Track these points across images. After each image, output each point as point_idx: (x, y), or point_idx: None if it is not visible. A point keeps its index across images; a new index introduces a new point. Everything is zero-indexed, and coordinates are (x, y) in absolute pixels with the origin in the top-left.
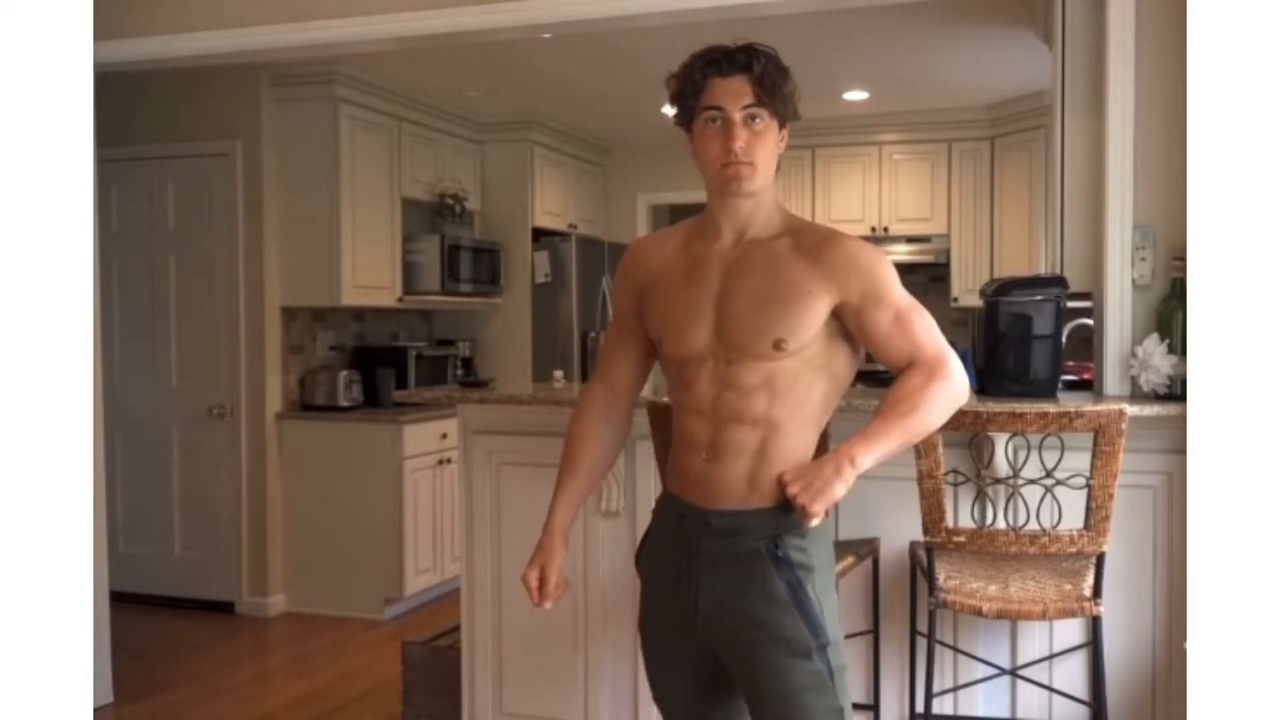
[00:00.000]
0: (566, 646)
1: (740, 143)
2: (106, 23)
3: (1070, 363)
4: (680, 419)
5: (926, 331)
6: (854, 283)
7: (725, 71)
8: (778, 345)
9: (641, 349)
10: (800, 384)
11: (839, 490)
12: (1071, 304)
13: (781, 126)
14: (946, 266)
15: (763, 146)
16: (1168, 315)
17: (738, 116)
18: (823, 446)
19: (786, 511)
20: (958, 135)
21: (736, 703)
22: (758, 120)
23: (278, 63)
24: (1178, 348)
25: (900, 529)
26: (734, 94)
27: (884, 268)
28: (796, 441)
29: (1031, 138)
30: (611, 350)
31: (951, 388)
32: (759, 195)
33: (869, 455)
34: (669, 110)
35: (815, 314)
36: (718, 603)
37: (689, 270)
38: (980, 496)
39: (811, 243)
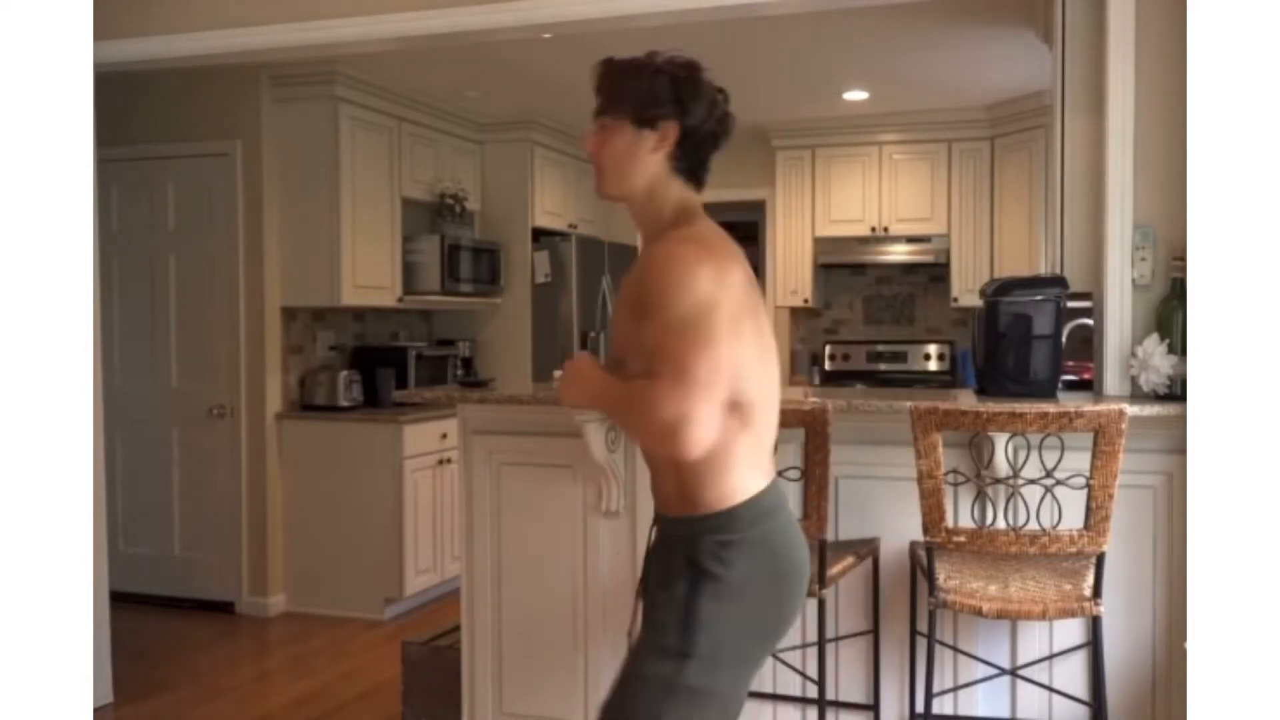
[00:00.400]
0: (566, 646)
1: (589, 146)
2: (106, 23)
3: (1070, 363)
4: None
5: (675, 354)
6: (639, 295)
7: (598, 87)
8: (619, 364)
9: None
10: None
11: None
12: (1071, 304)
13: (643, 125)
14: (946, 266)
15: (608, 148)
16: (1168, 315)
17: (591, 125)
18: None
19: (711, 518)
20: (958, 135)
21: None
22: (600, 124)
23: (278, 63)
24: (1178, 348)
25: (900, 529)
26: (596, 104)
27: (666, 279)
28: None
29: (1031, 138)
30: None
31: (656, 413)
32: (634, 200)
33: (593, 390)
34: None
35: (636, 327)
36: (650, 597)
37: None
38: (980, 496)
39: (643, 254)
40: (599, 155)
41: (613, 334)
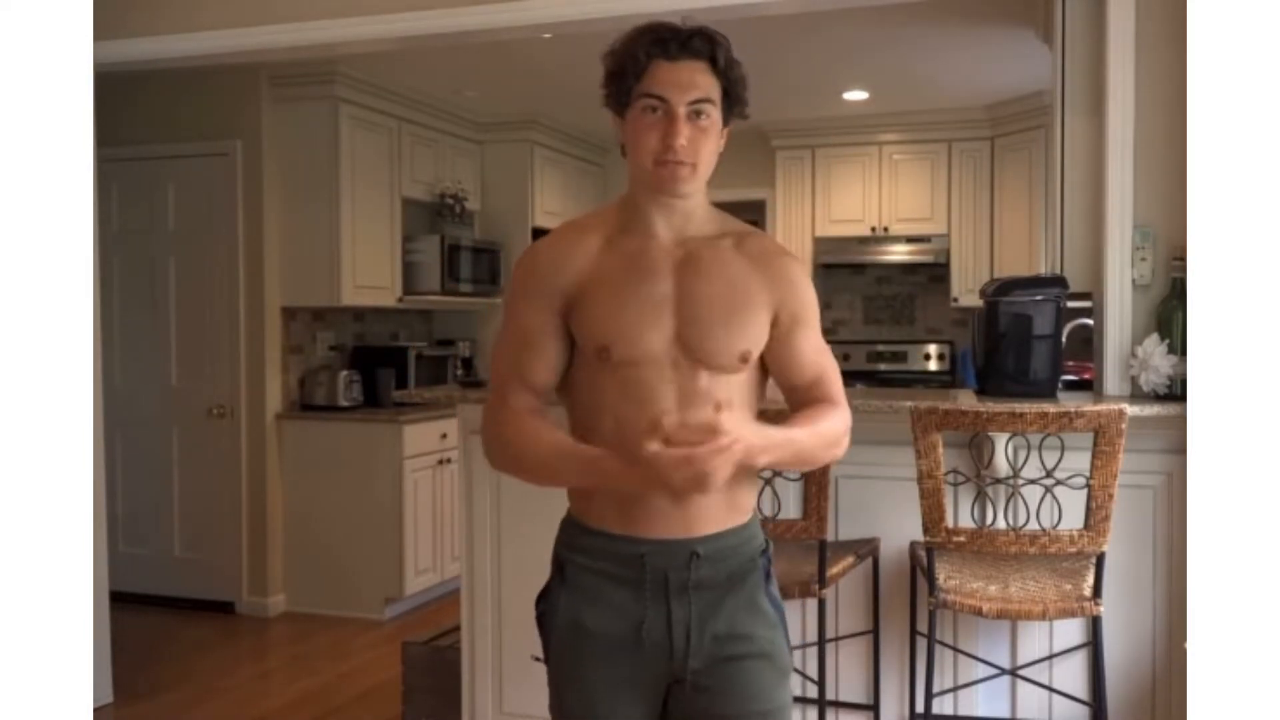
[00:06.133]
0: None
1: (683, 139)
2: (106, 23)
3: (1070, 363)
4: (628, 441)
5: (836, 372)
6: (791, 300)
7: (673, 55)
8: (744, 358)
9: (563, 360)
10: (748, 396)
11: (728, 471)
12: (1071, 304)
13: (725, 124)
14: (946, 266)
15: (706, 145)
16: (1168, 315)
17: (682, 110)
18: None
19: (757, 524)
20: (958, 135)
21: None
22: (704, 116)
23: (278, 63)
24: (1178, 348)
25: (900, 529)
26: (680, 84)
27: (814, 292)
28: None
29: (1031, 138)
30: (530, 360)
31: (844, 445)
32: (697, 194)
33: (766, 456)
34: (604, 88)
35: (767, 326)
36: (701, 632)
37: (630, 269)
38: (980, 496)
39: (755, 251)
40: (696, 149)
41: (693, 333)
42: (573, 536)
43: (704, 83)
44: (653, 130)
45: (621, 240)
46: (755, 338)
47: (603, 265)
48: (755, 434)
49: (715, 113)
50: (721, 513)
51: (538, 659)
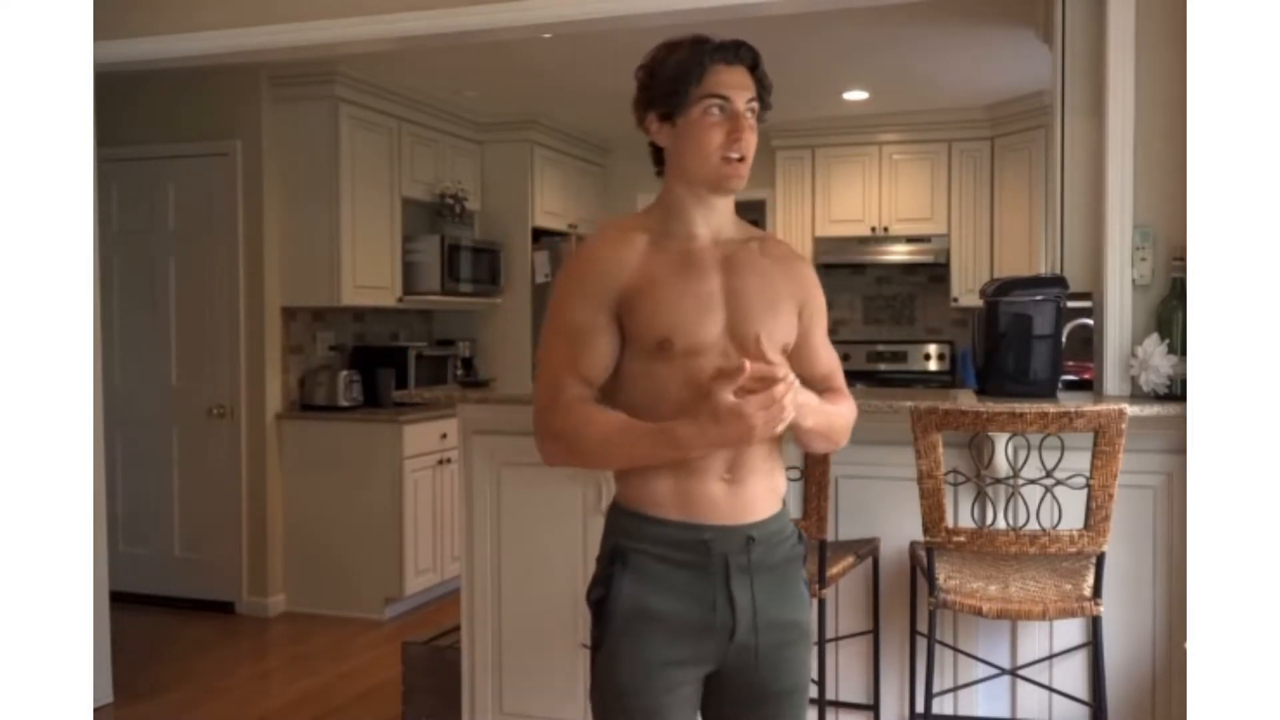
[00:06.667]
0: (566, 646)
1: (748, 137)
2: (106, 23)
3: (1070, 363)
4: (703, 400)
5: (841, 368)
6: (811, 300)
7: (731, 60)
8: (785, 349)
9: (614, 356)
10: None
11: (791, 413)
12: (1071, 304)
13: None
14: (946, 266)
15: (754, 142)
16: (1168, 315)
17: (743, 107)
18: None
19: (788, 510)
20: (958, 135)
21: None
22: (754, 115)
23: (278, 63)
24: (1178, 348)
25: (900, 529)
26: (739, 85)
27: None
28: (777, 444)
29: (1031, 138)
30: (585, 354)
31: (848, 435)
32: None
33: (812, 419)
34: (647, 95)
35: (796, 321)
36: (759, 614)
37: (681, 267)
38: (980, 496)
39: (777, 255)
40: (751, 147)
41: (744, 326)
42: (632, 526)
43: (752, 86)
44: (718, 128)
45: (665, 241)
46: (791, 330)
47: (654, 263)
48: (802, 393)
49: (759, 110)
50: (766, 497)
51: (586, 646)
